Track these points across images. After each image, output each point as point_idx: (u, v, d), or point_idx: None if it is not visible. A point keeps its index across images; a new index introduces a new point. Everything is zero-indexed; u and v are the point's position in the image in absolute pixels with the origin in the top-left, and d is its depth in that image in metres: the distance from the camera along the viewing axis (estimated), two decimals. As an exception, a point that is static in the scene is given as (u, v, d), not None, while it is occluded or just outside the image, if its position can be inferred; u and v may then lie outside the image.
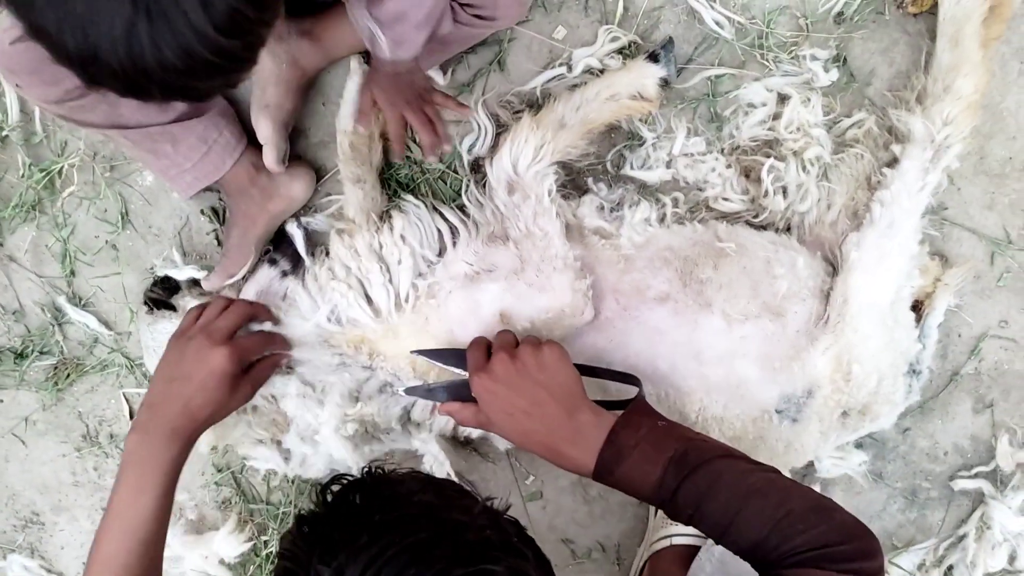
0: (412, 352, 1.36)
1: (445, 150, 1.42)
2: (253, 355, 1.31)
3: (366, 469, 0.94)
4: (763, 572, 1.00)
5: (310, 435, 1.44)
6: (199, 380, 1.22)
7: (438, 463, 1.50)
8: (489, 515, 0.89)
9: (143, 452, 1.18)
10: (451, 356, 1.33)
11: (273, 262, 1.46)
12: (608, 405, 1.20)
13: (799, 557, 0.96)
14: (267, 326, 1.39)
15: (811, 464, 1.55)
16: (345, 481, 0.92)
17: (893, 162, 1.37)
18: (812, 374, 1.34)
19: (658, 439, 1.08)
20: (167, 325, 1.45)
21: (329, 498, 0.90)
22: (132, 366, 1.60)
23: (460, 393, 1.28)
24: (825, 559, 0.96)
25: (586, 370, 1.28)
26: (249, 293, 1.44)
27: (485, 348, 1.24)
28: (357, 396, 1.43)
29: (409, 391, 1.36)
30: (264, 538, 1.66)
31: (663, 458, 1.05)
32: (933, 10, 1.37)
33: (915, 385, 1.46)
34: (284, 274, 1.46)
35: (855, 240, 1.35)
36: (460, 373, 1.31)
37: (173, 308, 1.48)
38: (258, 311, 1.37)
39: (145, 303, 1.49)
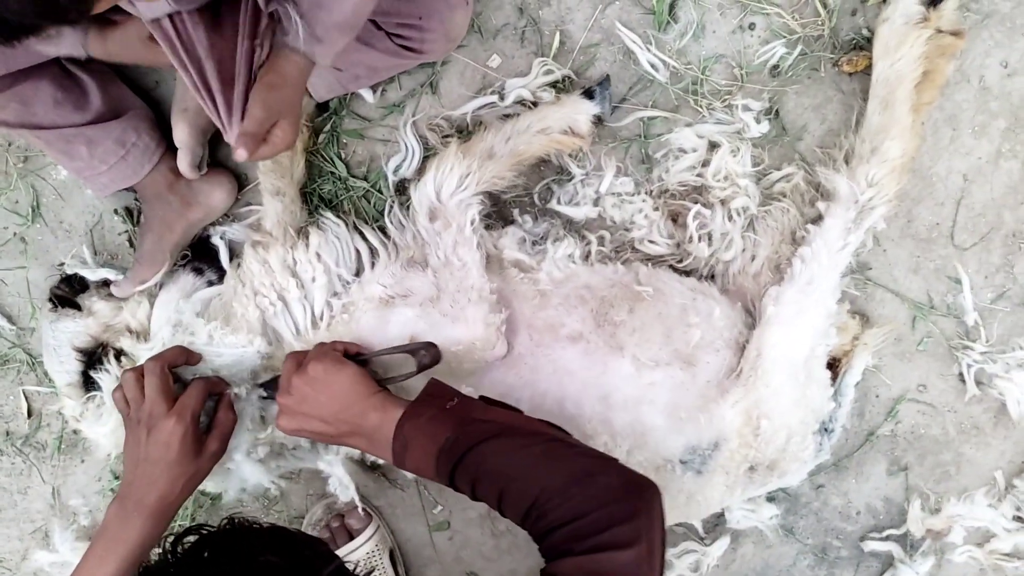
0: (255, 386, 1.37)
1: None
2: (200, 407, 1.26)
3: (226, 521, 0.93)
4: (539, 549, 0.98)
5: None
6: (158, 458, 1.21)
7: (342, 486, 1.47)
8: None
9: (116, 526, 1.20)
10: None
11: (199, 271, 1.42)
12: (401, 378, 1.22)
13: (554, 535, 0.94)
14: (198, 368, 1.35)
15: (721, 515, 1.54)
16: (204, 532, 0.91)
17: (818, 219, 1.36)
18: (720, 426, 1.32)
19: (434, 428, 1.07)
20: (70, 324, 1.41)
21: (180, 549, 0.89)
22: (33, 363, 1.55)
23: None
24: (573, 537, 0.93)
25: (368, 353, 1.26)
26: (167, 299, 1.40)
27: (291, 370, 1.23)
28: (264, 417, 1.40)
29: (264, 394, 1.37)
30: (156, 549, 1.60)
31: (435, 448, 1.05)
32: (868, 71, 1.37)
33: (826, 443, 1.44)
34: (210, 283, 1.42)
35: (774, 294, 1.34)
36: None
37: (78, 307, 1.43)
38: (174, 356, 1.30)
39: (50, 300, 1.44)
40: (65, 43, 1.14)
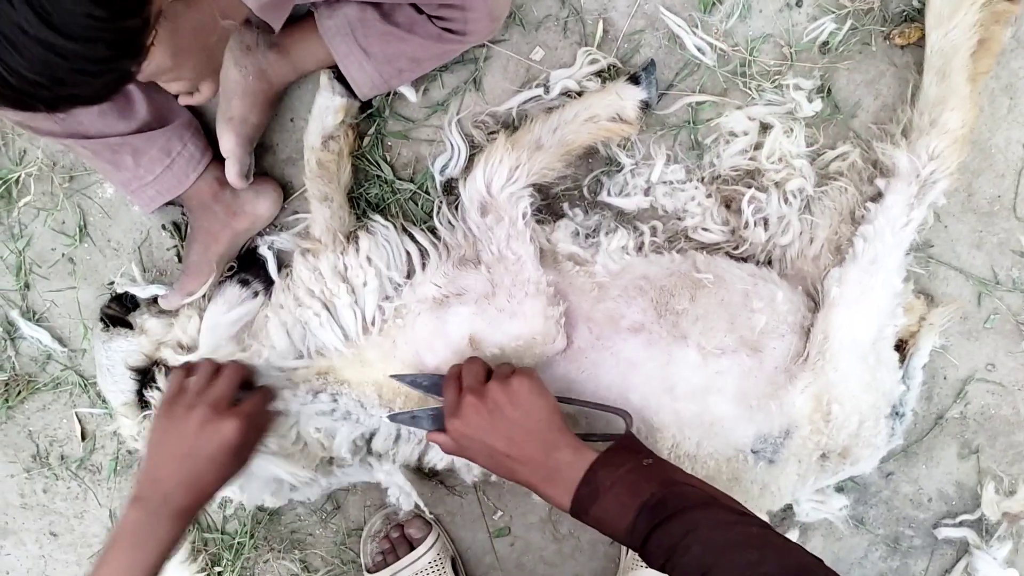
0: (391, 376, 1.32)
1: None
2: (259, 420, 1.24)
3: None
4: None
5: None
6: (208, 455, 1.14)
7: (404, 494, 1.45)
8: None
9: (143, 532, 1.10)
10: (429, 382, 1.29)
11: (245, 283, 1.41)
12: (596, 438, 1.15)
13: None
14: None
15: (789, 508, 1.50)
16: None
17: (877, 196, 1.33)
18: (790, 413, 1.29)
19: (636, 481, 1.02)
20: (123, 343, 1.40)
21: None
22: (86, 384, 1.54)
23: (443, 422, 1.23)
24: None
25: (567, 399, 1.23)
26: (215, 312, 1.39)
27: (458, 386, 1.19)
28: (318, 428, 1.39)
29: (393, 418, 1.31)
30: (218, 569, 1.59)
31: (637, 503, 1.00)
32: (920, 43, 1.34)
33: (898, 428, 1.40)
34: (255, 295, 1.40)
35: (837, 275, 1.31)
36: (438, 398, 1.27)
37: (130, 326, 1.42)
38: (248, 373, 1.29)
39: (101, 320, 1.44)
40: None
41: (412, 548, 1.54)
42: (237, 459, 1.18)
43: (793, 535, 1.53)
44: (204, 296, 1.39)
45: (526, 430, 1.11)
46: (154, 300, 1.44)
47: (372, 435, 1.39)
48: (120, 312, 1.45)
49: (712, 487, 1.06)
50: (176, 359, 1.36)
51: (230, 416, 1.16)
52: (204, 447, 1.14)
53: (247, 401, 1.21)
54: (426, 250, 1.37)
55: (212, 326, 1.38)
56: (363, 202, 1.44)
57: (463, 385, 1.17)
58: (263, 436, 1.27)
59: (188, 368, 1.26)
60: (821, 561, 0.96)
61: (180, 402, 1.18)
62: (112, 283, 1.49)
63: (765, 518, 1.50)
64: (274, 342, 1.34)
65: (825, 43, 1.37)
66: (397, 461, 1.45)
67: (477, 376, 1.18)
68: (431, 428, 1.27)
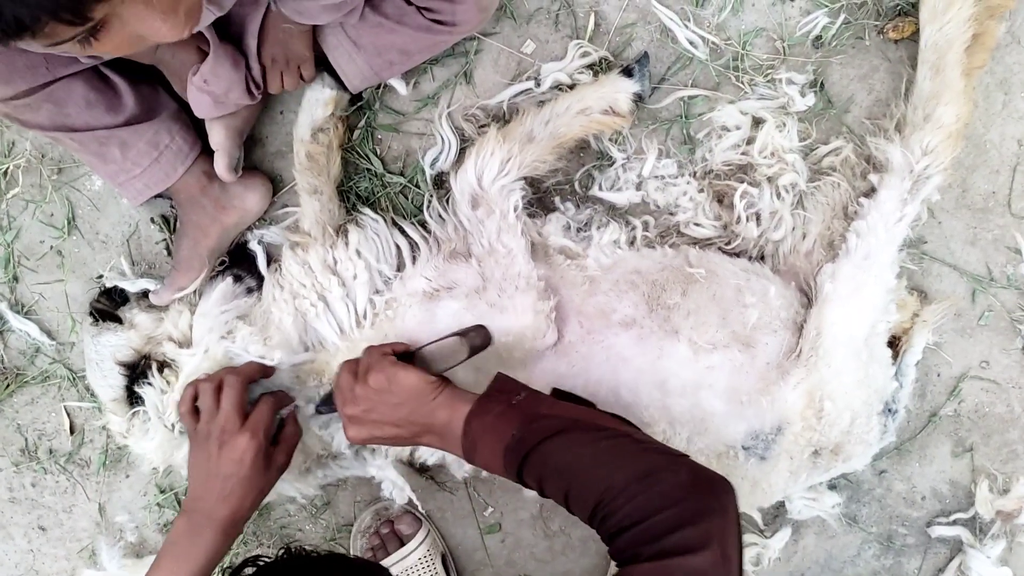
0: (316, 408, 1.35)
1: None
2: (271, 423, 1.27)
3: (283, 550, 0.94)
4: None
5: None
6: (229, 473, 1.21)
7: (397, 488, 1.45)
8: None
9: (187, 542, 1.20)
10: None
11: (238, 279, 1.40)
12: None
13: (620, 539, 0.89)
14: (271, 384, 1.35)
15: (782, 505, 1.49)
16: (261, 563, 0.92)
17: (870, 192, 1.32)
18: (782, 410, 1.28)
19: (501, 425, 1.04)
20: (112, 338, 1.39)
21: None
22: (74, 378, 1.53)
23: None
24: (640, 540, 0.87)
25: (420, 352, 1.22)
26: (208, 307, 1.38)
27: (343, 388, 1.20)
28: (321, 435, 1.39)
29: (319, 408, 1.34)
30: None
31: (501, 446, 1.02)
32: (914, 37, 1.33)
33: (891, 425, 1.40)
34: (249, 291, 1.40)
35: (830, 271, 1.30)
36: None
37: (119, 320, 1.41)
38: (252, 372, 1.31)
39: (90, 314, 1.43)
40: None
41: (402, 544, 1.53)
42: (261, 468, 1.23)
43: (785, 532, 1.52)
44: (195, 291, 1.39)
45: (404, 410, 1.13)
46: (144, 294, 1.43)
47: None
48: (109, 307, 1.44)
49: (578, 409, 1.08)
50: (168, 349, 1.35)
51: (240, 435, 1.22)
52: (227, 469, 1.21)
53: (255, 413, 1.25)
54: (416, 244, 1.36)
55: (205, 322, 1.37)
56: (353, 195, 1.43)
57: (338, 385, 1.20)
58: (295, 438, 1.31)
59: (195, 389, 1.28)
60: (678, 459, 0.95)
61: (199, 430, 1.25)
62: (101, 277, 1.48)
63: (756, 515, 1.51)
64: (285, 334, 1.34)
65: (818, 37, 1.36)
66: (390, 456, 1.44)
67: (347, 384, 1.19)
68: None
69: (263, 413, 1.25)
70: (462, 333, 1.23)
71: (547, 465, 0.99)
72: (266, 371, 1.33)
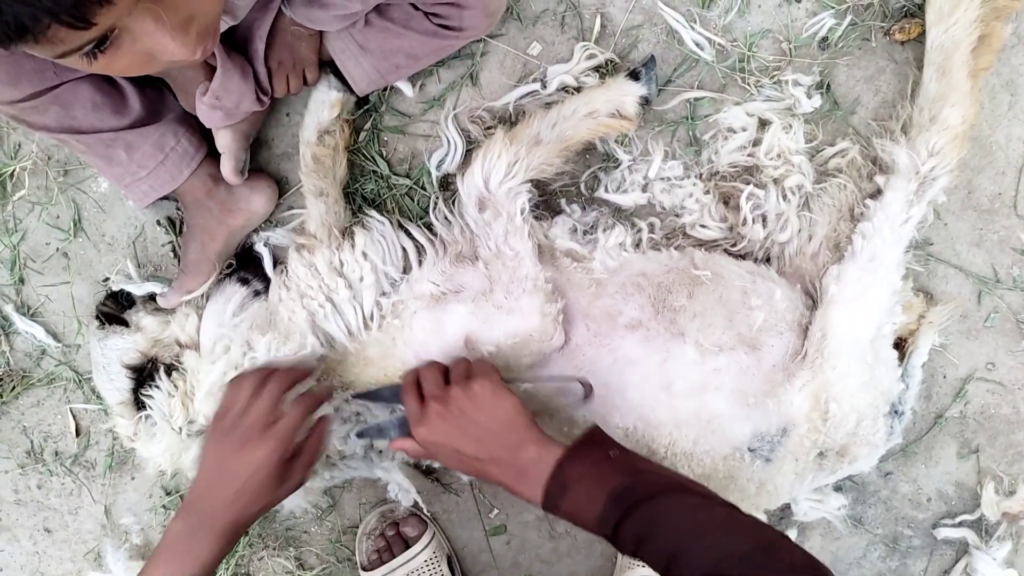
0: (353, 397, 1.32)
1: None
2: (298, 435, 1.18)
3: None
4: None
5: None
6: (244, 479, 1.13)
7: (403, 490, 1.45)
8: None
9: (184, 543, 1.13)
10: (389, 392, 1.28)
11: (245, 282, 1.40)
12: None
13: None
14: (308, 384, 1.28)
15: (787, 507, 1.49)
16: None
17: (876, 193, 1.32)
18: (788, 412, 1.28)
19: (603, 472, 1.03)
20: (118, 341, 1.39)
21: None
22: (80, 380, 1.53)
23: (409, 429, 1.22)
24: None
25: (526, 380, 1.22)
26: (215, 312, 1.38)
27: (418, 393, 1.18)
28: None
29: (361, 434, 1.32)
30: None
31: (605, 493, 1.01)
32: (920, 38, 1.33)
33: (897, 427, 1.39)
34: (256, 294, 1.40)
35: (835, 273, 1.30)
36: (401, 408, 1.26)
37: (126, 323, 1.42)
38: (293, 377, 1.22)
39: (96, 317, 1.43)
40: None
41: (408, 546, 1.53)
42: (275, 480, 1.15)
43: (791, 534, 1.52)
44: (202, 295, 1.39)
45: (492, 432, 1.11)
46: (150, 297, 1.44)
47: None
48: (116, 310, 1.44)
49: (677, 473, 1.07)
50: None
51: (265, 439, 1.14)
52: (242, 471, 1.14)
53: (283, 420, 1.17)
54: (422, 246, 1.36)
55: (212, 325, 1.37)
56: (359, 197, 1.43)
57: (424, 392, 1.17)
58: (316, 452, 1.23)
59: (239, 381, 1.22)
60: (786, 536, 0.96)
61: (224, 421, 1.17)
62: (107, 279, 1.48)
63: (762, 517, 1.51)
64: (300, 332, 1.33)
65: (824, 39, 1.36)
66: (396, 458, 1.44)
67: (437, 381, 1.17)
68: (398, 436, 1.24)
69: (293, 420, 1.17)
70: (568, 380, 1.23)
71: (657, 521, 0.97)
72: (303, 375, 1.25)
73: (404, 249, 1.36)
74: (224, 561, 1.52)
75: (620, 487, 1.00)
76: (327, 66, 1.33)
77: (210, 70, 1.22)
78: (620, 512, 0.99)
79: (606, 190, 1.40)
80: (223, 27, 1.09)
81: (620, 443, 1.10)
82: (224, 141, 1.31)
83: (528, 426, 1.11)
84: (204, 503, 1.15)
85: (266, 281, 1.40)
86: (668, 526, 0.96)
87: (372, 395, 1.30)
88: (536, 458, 1.07)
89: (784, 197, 1.37)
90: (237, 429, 1.16)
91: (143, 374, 1.37)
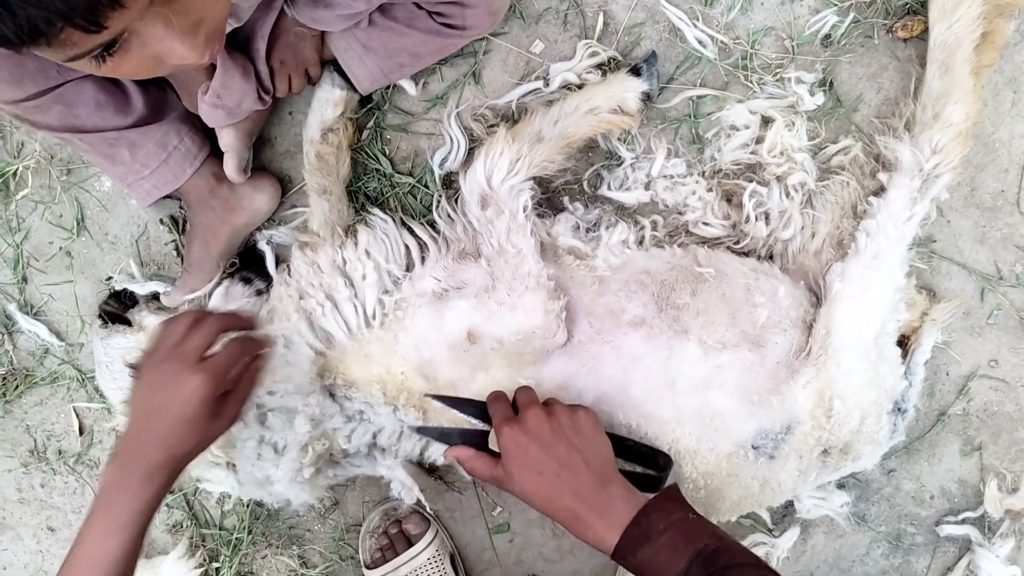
0: (426, 396, 1.29)
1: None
2: (232, 370, 1.10)
3: None
4: None
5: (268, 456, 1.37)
6: (175, 413, 1.05)
7: (406, 488, 1.45)
8: None
9: (118, 491, 1.05)
10: (468, 405, 1.26)
11: (247, 281, 1.40)
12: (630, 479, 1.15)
13: None
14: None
15: (790, 504, 1.49)
16: None
17: (880, 191, 1.32)
18: (792, 409, 1.28)
19: (689, 530, 1.02)
20: (121, 340, 1.40)
21: None
22: (83, 379, 1.54)
23: (474, 442, 1.22)
24: None
25: (615, 440, 1.21)
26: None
27: (508, 401, 1.18)
28: (319, 422, 1.38)
29: (421, 431, 1.31)
30: (216, 564, 1.58)
31: (691, 550, 1.00)
32: (923, 36, 1.33)
33: (900, 424, 1.39)
34: (259, 292, 1.40)
35: (839, 270, 1.30)
36: (473, 422, 1.25)
37: (128, 323, 1.42)
38: (231, 321, 1.13)
39: (100, 317, 1.43)
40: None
41: (411, 544, 1.53)
42: (207, 415, 1.06)
43: (794, 532, 1.52)
44: (205, 295, 1.39)
45: (584, 459, 1.10)
46: (153, 296, 1.44)
47: (378, 431, 1.38)
48: (119, 309, 1.44)
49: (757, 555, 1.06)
50: None
51: (197, 371, 1.05)
52: (170, 404, 1.05)
53: (220, 352, 1.08)
54: (425, 244, 1.36)
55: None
56: (362, 196, 1.43)
57: (525, 400, 1.17)
58: (250, 389, 1.14)
59: (175, 318, 1.13)
60: None
61: (154, 357, 1.09)
62: (111, 278, 1.48)
63: (766, 515, 1.51)
64: (299, 331, 1.33)
65: (827, 36, 1.36)
66: (399, 456, 1.44)
67: (534, 399, 1.17)
68: (459, 443, 1.24)
69: (227, 356, 1.08)
70: (656, 451, 1.24)
71: None
72: (249, 322, 1.15)
73: (407, 247, 1.36)
74: (228, 559, 1.53)
75: (707, 548, 0.99)
76: (330, 64, 1.33)
77: (212, 69, 1.22)
78: (706, 572, 0.98)
79: (609, 188, 1.40)
80: (227, 29, 1.09)
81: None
82: (227, 140, 1.31)
83: (615, 470, 1.11)
84: (135, 444, 1.07)
85: (269, 280, 1.40)
86: None
87: (451, 402, 1.27)
88: (623, 497, 1.06)
89: (787, 194, 1.37)
90: (168, 361, 1.06)
91: (146, 373, 1.36)
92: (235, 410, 1.11)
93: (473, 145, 1.38)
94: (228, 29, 1.09)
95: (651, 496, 1.07)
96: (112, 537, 1.03)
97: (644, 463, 1.24)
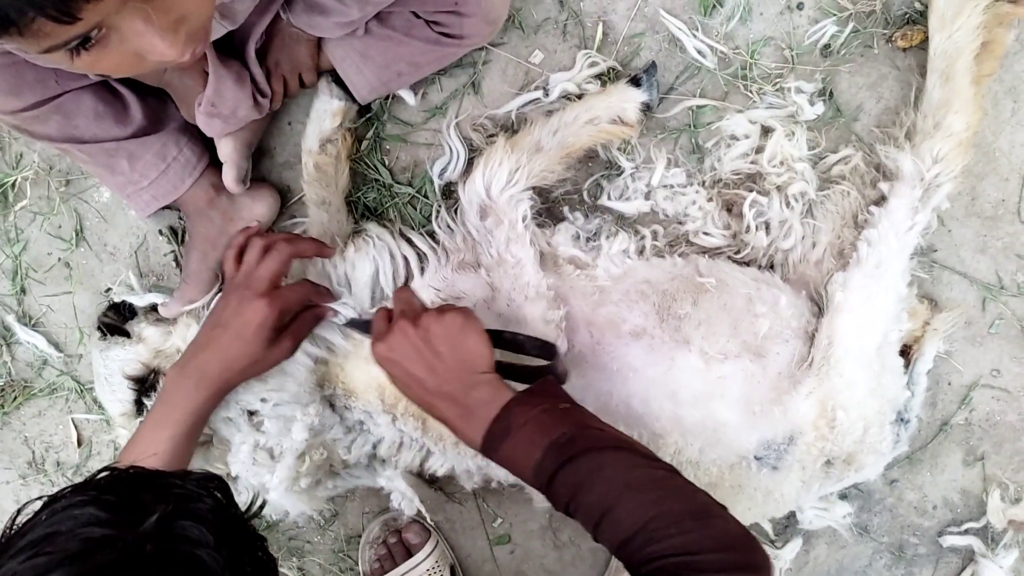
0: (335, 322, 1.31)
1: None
2: (294, 307, 1.24)
3: None
4: (630, 573, 0.93)
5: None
6: (235, 330, 1.19)
7: (406, 499, 1.44)
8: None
9: (174, 391, 1.20)
10: (367, 323, 1.27)
11: None
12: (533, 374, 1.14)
13: (661, 562, 0.89)
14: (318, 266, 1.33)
15: (793, 515, 1.48)
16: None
17: (881, 200, 1.32)
18: (794, 420, 1.27)
19: (549, 421, 1.01)
20: (121, 352, 1.39)
21: None
22: (82, 390, 1.53)
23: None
24: (688, 567, 0.87)
25: (500, 337, 1.19)
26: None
27: (387, 315, 1.19)
28: (318, 432, 1.37)
29: (350, 324, 1.30)
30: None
31: (546, 440, 0.99)
32: (923, 45, 1.33)
33: (903, 434, 1.39)
34: None
35: (841, 280, 1.29)
36: None
37: (127, 334, 1.41)
38: (304, 248, 1.27)
39: (98, 329, 1.42)
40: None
41: (410, 555, 1.52)
42: (263, 340, 1.19)
43: (797, 543, 1.51)
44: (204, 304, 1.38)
45: (448, 364, 1.09)
46: (152, 308, 1.43)
47: (377, 442, 1.38)
48: (117, 321, 1.43)
49: (625, 435, 1.06)
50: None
51: (262, 297, 1.19)
52: (233, 322, 1.19)
53: (288, 288, 1.23)
54: (425, 254, 1.35)
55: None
56: (361, 206, 1.43)
57: (395, 312, 1.17)
58: (307, 330, 1.27)
59: (245, 239, 1.28)
60: (724, 507, 0.95)
61: (234, 279, 1.23)
62: (109, 290, 1.48)
63: (768, 526, 1.50)
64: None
65: (827, 46, 1.36)
66: (399, 466, 1.43)
67: (411, 304, 1.18)
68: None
69: (294, 293, 1.23)
70: (542, 344, 1.20)
71: (594, 474, 0.96)
72: (323, 251, 1.29)
73: (406, 257, 1.36)
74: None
75: (563, 437, 0.99)
76: (329, 74, 1.33)
77: (207, 78, 1.22)
78: (559, 462, 0.97)
79: (609, 198, 1.40)
80: (221, 32, 1.08)
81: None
82: (226, 150, 1.31)
83: (487, 369, 1.10)
84: (197, 352, 1.21)
85: None
86: (605, 480, 0.95)
87: (353, 324, 1.29)
88: (486, 399, 1.06)
89: (787, 204, 1.37)
90: (238, 287, 1.21)
91: (145, 385, 1.36)
92: (289, 344, 1.24)
93: (473, 155, 1.38)
94: (223, 32, 1.09)
95: (517, 393, 1.06)
96: (163, 430, 1.17)
97: (533, 354, 1.20)
